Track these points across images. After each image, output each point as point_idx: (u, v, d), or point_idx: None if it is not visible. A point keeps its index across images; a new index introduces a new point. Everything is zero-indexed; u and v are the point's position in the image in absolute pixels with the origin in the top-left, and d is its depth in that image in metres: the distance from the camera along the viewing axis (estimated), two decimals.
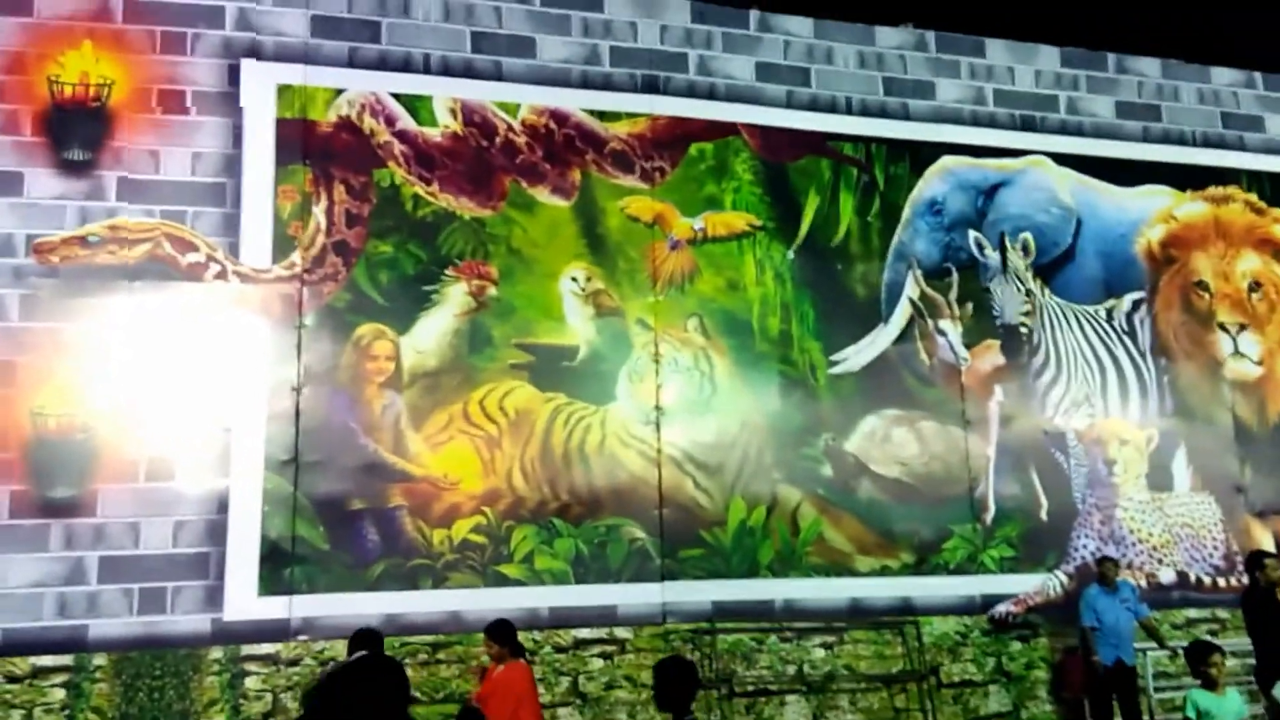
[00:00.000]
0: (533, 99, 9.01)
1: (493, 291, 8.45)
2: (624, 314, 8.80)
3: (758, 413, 8.95)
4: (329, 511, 7.62)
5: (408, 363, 8.09)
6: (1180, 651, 9.11)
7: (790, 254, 9.45)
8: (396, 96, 8.65)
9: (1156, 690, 8.63)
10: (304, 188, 8.19)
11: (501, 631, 5.90)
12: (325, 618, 7.42)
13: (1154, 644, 8.45)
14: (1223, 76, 11.37)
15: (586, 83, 9.21)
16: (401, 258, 8.32)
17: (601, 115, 9.16)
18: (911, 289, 9.72)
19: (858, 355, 9.44)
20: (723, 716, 7.97)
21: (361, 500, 7.73)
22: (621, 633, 8.02)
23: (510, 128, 8.90)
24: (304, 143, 8.28)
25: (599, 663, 7.90)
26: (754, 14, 9.88)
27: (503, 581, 7.84)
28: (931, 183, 10.09)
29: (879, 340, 9.53)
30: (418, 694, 7.32)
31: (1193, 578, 9.71)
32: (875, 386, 9.35)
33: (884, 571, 8.89)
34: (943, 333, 9.69)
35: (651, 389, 8.67)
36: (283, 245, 8.04)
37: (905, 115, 10.15)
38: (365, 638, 5.70)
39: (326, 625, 7.41)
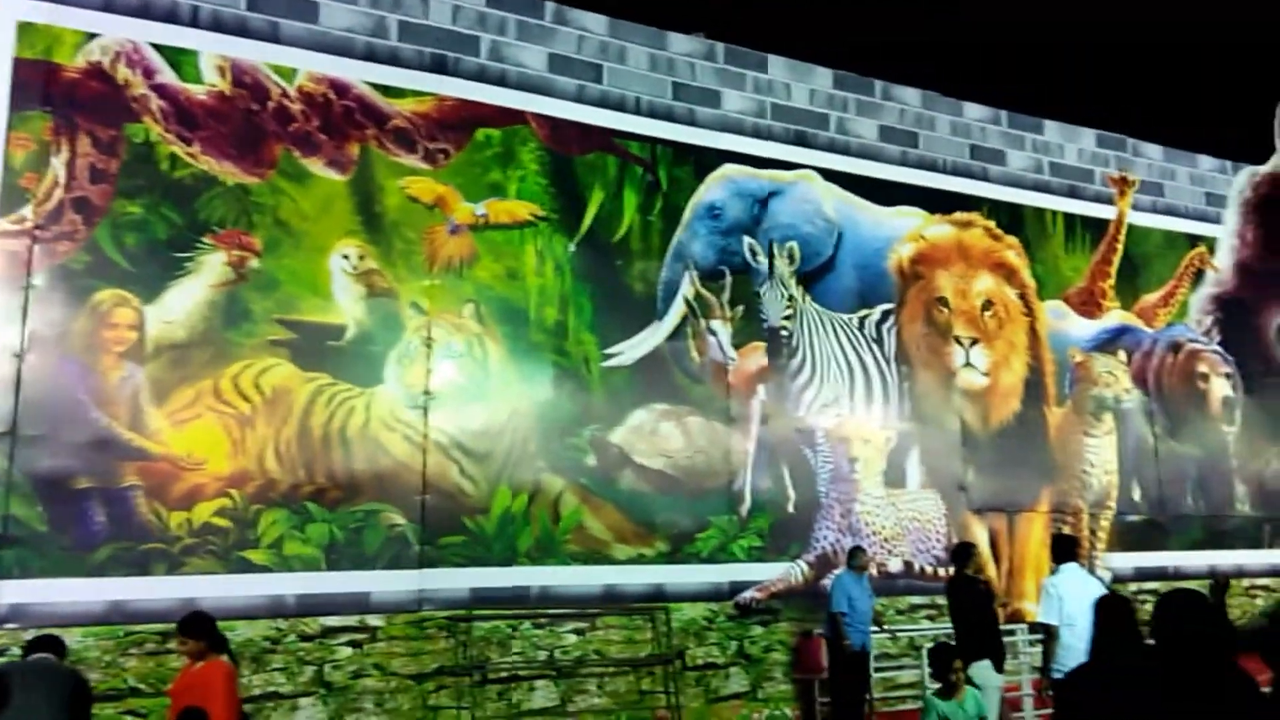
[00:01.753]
0: (312, 66, 8.65)
1: (254, 263, 8.07)
2: (397, 295, 8.64)
3: (528, 402, 9.04)
4: (50, 490, 7.04)
5: (153, 333, 7.59)
6: (896, 636, 10.11)
7: (572, 247, 9.58)
8: (158, 48, 8.07)
9: (877, 670, 9.42)
10: (41, 136, 7.50)
11: (198, 626, 5.24)
12: (39, 605, 6.86)
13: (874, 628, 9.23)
14: (974, 111, 12.47)
15: (372, 55, 8.94)
16: (153, 221, 7.78)
17: (385, 90, 8.93)
18: (687, 289, 10.08)
19: (631, 350, 9.71)
20: (474, 703, 8.03)
21: (89, 479, 7.18)
22: (374, 620, 7.90)
23: (285, 93, 8.51)
24: (45, 87, 7.58)
25: (347, 651, 7.75)
26: (550, 5, 9.91)
27: (247, 568, 7.53)
28: (712, 188, 10.49)
29: (653, 336, 9.84)
30: (143, 686, 6.93)
31: (917, 567, 10.68)
32: (646, 381, 9.65)
33: (640, 560, 9.22)
34: (714, 332, 10.13)
35: (422, 373, 8.57)
36: (13, 197, 7.33)
37: (691, 121, 10.50)
38: (46, 644, 5.30)
39: (40, 613, 6.86)
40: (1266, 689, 3.65)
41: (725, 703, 9.28)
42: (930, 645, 6.31)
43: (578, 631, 8.74)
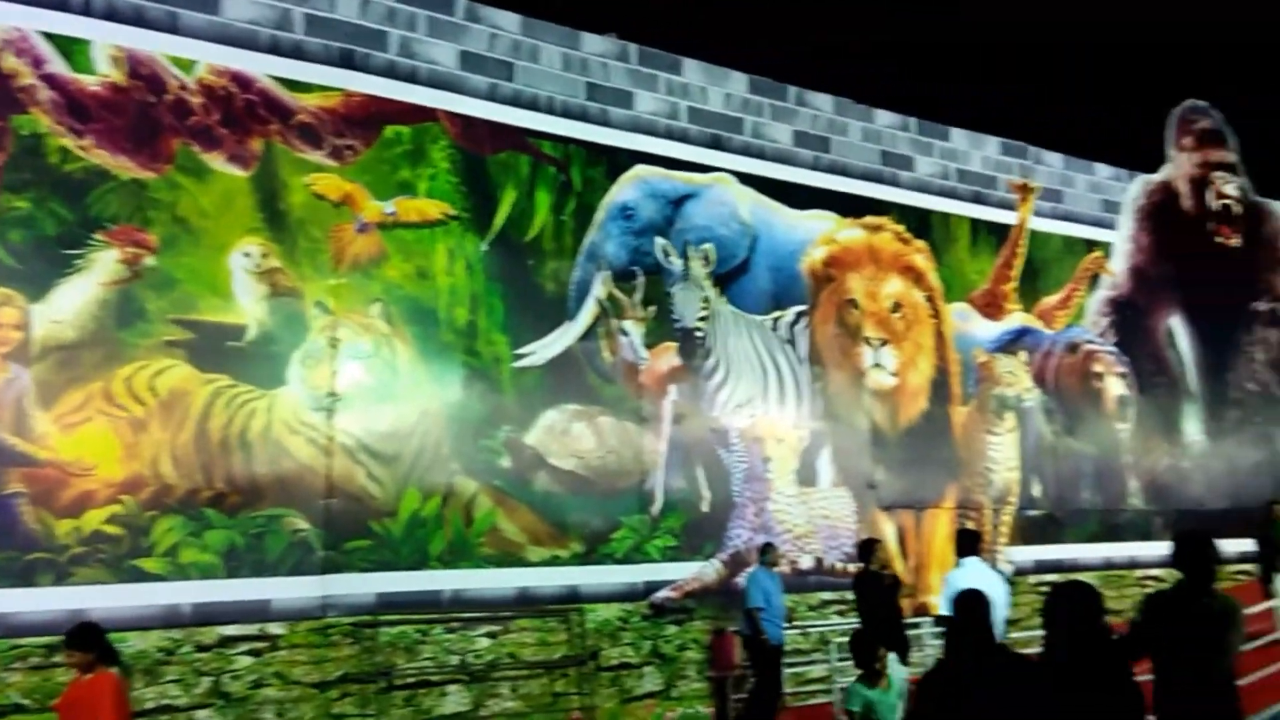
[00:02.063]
0: (213, 58, 8.39)
1: (150, 261, 7.79)
2: (302, 295, 8.43)
3: (439, 403, 8.93)
4: None
5: (39, 333, 7.26)
6: (808, 633, 10.26)
7: (483, 246, 9.50)
8: (48, 37, 7.73)
9: (787, 665, 9.52)
10: None
11: (86, 637, 5.00)
12: None
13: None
14: (884, 118, 12.75)
15: (276, 48, 8.72)
16: (40, 216, 7.45)
17: (291, 85, 8.71)
18: (599, 289, 10.08)
19: (543, 350, 9.66)
20: (380, 710, 7.89)
21: None
22: (275, 629, 7.70)
23: (184, 85, 8.24)
24: None
25: (247, 660, 7.53)
26: (461, 2, 9.81)
27: (140, 577, 7.26)
28: (625, 188, 10.51)
29: (565, 337, 9.81)
30: (28, 701, 6.63)
31: (827, 563, 10.87)
32: (558, 381, 9.62)
33: (554, 561, 9.18)
34: (626, 333, 10.14)
35: (327, 375, 8.38)
36: None
37: (605, 121, 10.50)
38: None
39: None
40: (1143, 678, 3.80)
41: (639, 702, 9.31)
42: (850, 635, 6.40)
43: (491, 635, 8.66)
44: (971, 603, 3.69)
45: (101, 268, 7.58)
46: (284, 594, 7.77)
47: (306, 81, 8.79)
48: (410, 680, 8.16)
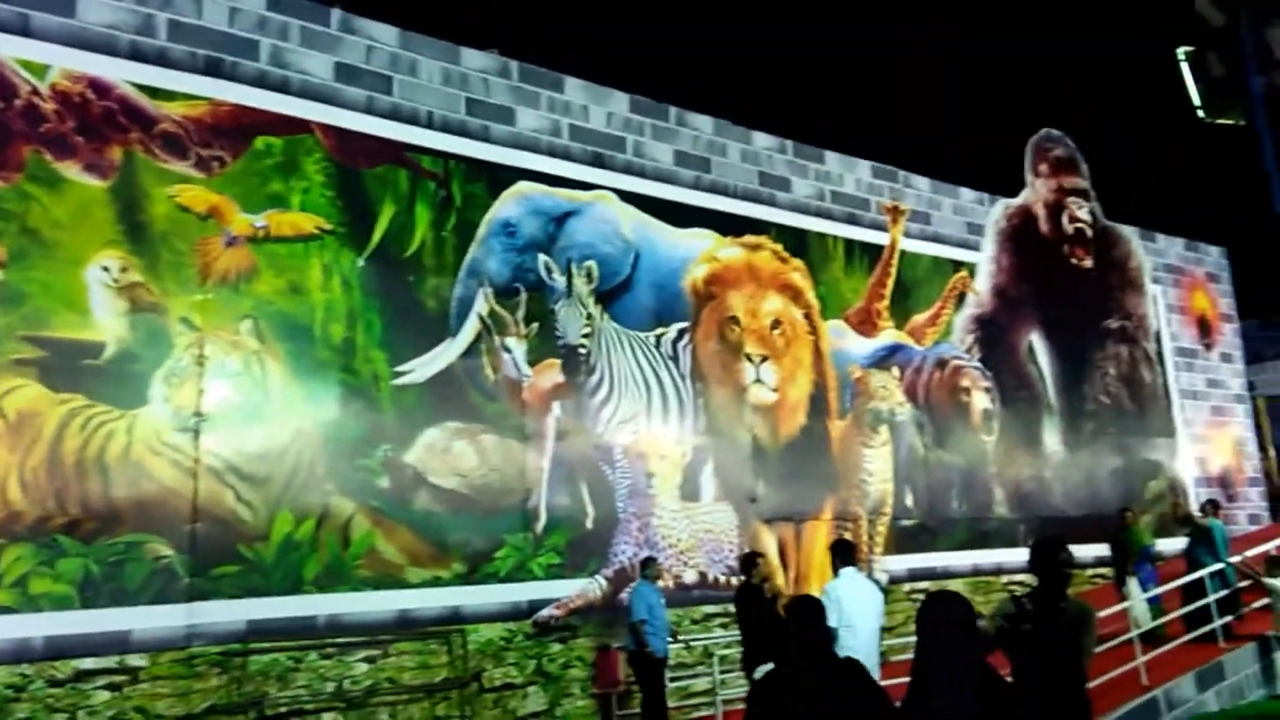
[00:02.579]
0: (68, 63, 8.00)
1: None
2: (165, 311, 8.08)
3: (313, 422, 8.67)
4: None
5: None
6: (691, 646, 10.34)
7: (360, 261, 9.30)
8: None
9: (672, 680, 9.59)
10: None
11: None
12: None
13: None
14: (761, 140, 13.10)
15: (137, 54, 8.38)
16: None
17: (153, 92, 8.38)
18: (481, 305, 9.99)
19: (424, 367, 9.52)
20: None
21: None
22: (135, 660, 7.30)
23: (35, 91, 7.82)
24: None
25: (105, 695, 7.12)
26: (336, 12, 9.64)
27: None
28: (507, 205, 10.48)
29: (446, 354, 9.69)
30: None
31: (710, 577, 11.00)
32: (439, 399, 9.48)
33: (435, 582, 9.01)
34: (508, 349, 10.08)
35: (193, 394, 8.05)
36: None
37: (485, 137, 10.46)
38: None
39: None
40: (1009, 679, 3.96)
41: None
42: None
43: (369, 660, 8.42)
44: (808, 609, 3.67)
45: None
46: (145, 624, 7.38)
47: (170, 89, 8.47)
48: (283, 710, 7.85)
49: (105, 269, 7.83)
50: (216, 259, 8.43)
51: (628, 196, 11.45)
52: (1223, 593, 10.85)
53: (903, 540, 12.99)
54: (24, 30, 7.84)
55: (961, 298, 14.97)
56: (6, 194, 7.53)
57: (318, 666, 8.15)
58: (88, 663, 7.12)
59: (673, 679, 9.55)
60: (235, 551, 7.97)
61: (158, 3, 8.51)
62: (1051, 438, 15.49)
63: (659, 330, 11.39)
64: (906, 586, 12.46)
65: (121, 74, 8.22)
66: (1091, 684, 4.63)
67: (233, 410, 8.23)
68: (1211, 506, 11.94)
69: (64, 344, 7.53)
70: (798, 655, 3.46)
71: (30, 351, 7.37)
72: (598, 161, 11.33)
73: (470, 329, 9.88)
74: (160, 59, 8.46)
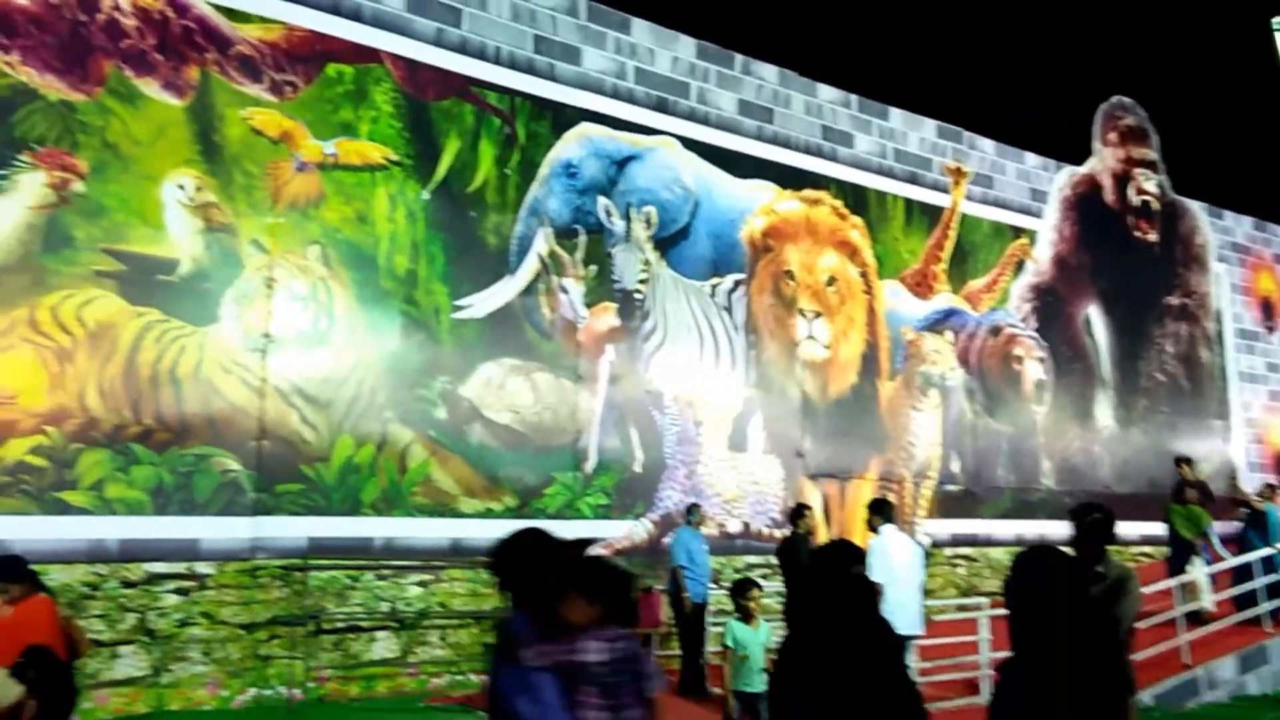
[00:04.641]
0: None
1: (78, 187, 7.49)
2: (236, 232, 8.21)
3: (375, 350, 8.79)
4: None
5: None
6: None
7: (425, 194, 9.36)
8: None
9: (714, 625, 9.69)
10: None
11: (16, 569, 4.93)
12: None
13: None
14: (827, 93, 12.91)
15: None
16: None
17: (230, 14, 8.44)
18: (541, 245, 10.03)
19: (483, 303, 9.59)
20: (308, 653, 7.79)
21: None
22: (203, 568, 7.54)
23: (117, 6, 7.91)
24: None
25: (174, 598, 7.36)
26: None
27: (64, 509, 7.03)
28: (569, 145, 10.46)
29: (505, 290, 9.75)
30: None
31: (754, 529, 11.06)
32: (496, 335, 9.56)
33: (487, 513, 9.16)
34: (565, 290, 10.12)
35: (262, 315, 8.19)
36: None
37: (551, 76, 10.42)
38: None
39: None
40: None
41: None
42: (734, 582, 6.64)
43: (422, 584, 8.61)
44: (842, 555, 3.26)
45: (27, 190, 7.26)
46: (213, 534, 7.61)
47: (246, 11, 8.52)
48: (339, 625, 8.07)
49: (181, 187, 7.96)
50: (287, 184, 8.53)
51: (690, 144, 11.37)
52: (1272, 577, 10.68)
53: (947, 505, 12.94)
54: None
55: (1020, 265, 14.74)
56: (87, 107, 7.66)
57: (373, 586, 8.35)
58: (159, 567, 7.36)
59: (715, 624, 9.63)
60: (298, 470, 8.15)
61: None
62: (1103, 412, 15.29)
63: (714, 280, 11.35)
64: (949, 551, 12.44)
65: None
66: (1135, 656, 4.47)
67: (299, 334, 8.37)
68: (1270, 490, 11.73)
69: (140, 258, 7.68)
70: (828, 616, 2.88)
71: (109, 264, 7.53)
72: (661, 106, 11.25)
73: (529, 267, 9.92)
74: None
